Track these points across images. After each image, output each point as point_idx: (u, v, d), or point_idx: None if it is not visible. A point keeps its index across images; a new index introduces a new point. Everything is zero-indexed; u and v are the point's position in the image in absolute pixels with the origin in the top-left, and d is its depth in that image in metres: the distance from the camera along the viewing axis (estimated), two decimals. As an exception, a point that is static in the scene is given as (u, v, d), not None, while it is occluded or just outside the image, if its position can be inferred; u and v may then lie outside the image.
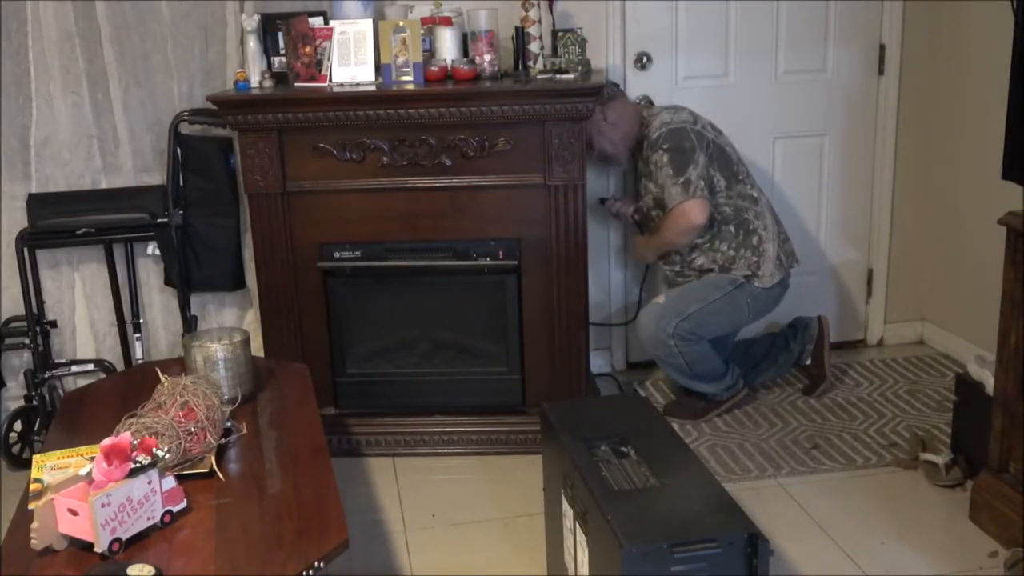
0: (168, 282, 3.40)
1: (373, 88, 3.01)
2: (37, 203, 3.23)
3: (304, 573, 1.75)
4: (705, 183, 3.14)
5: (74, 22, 3.16)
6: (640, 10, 3.52)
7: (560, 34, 3.17)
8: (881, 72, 3.72)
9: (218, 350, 2.48)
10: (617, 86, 3.43)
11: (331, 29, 3.06)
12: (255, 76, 3.11)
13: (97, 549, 1.77)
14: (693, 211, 3.13)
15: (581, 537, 2.04)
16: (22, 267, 3.24)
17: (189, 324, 3.38)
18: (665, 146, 3.17)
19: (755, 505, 2.78)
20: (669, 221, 3.18)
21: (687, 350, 3.20)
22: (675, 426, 3.00)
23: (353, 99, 2.95)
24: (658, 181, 3.19)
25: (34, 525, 1.80)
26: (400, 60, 3.03)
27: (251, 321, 3.49)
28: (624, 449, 2.13)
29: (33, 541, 1.80)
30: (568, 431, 2.18)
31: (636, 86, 3.59)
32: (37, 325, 3.27)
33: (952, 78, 3.66)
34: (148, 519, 1.86)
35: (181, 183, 3.29)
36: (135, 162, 3.32)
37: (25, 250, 3.24)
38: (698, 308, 3.18)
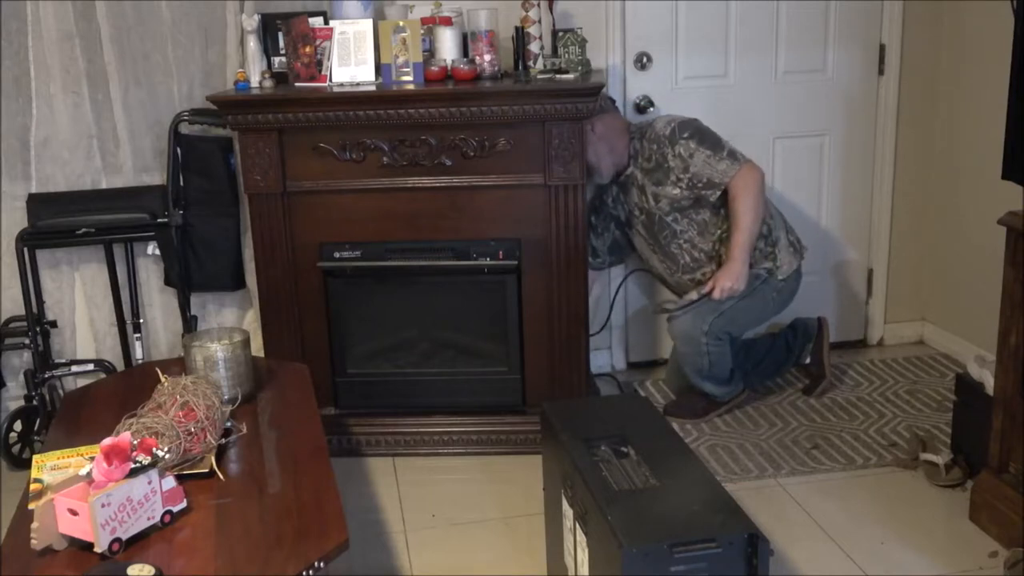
0: (168, 282, 3.40)
1: (373, 88, 3.01)
2: (37, 203, 3.23)
3: (304, 573, 1.75)
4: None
5: (74, 22, 3.16)
6: (640, 10, 3.52)
7: (560, 34, 3.17)
8: (881, 72, 3.72)
9: (218, 350, 2.48)
10: (613, 101, 3.41)
11: (331, 29, 3.06)
12: (255, 76, 3.11)
13: (97, 549, 1.78)
14: (755, 171, 3.12)
15: (581, 537, 2.04)
16: (22, 267, 3.24)
17: (189, 324, 3.38)
18: (686, 134, 3.15)
19: (755, 505, 2.78)
20: (741, 192, 3.09)
21: (715, 350, 3.21)
22: (675, 426, 3.01)
23: (353, 99, 2.95)
24: (691, 169, 3.12)
25: (34, 525, 1.80)
26: (400, 60, 3.03)
27: (251, 321, 3.49)
28: (624, 449, 2.13)
29: (33, 541, 1.80)
30: (568, 431, 2.18)
31: (636, 86, 3.60)
32: (37, 325, 3.27)
33: (952, 78, 3.66)
34: (148, 519, 1.86)
35: (181, 183, 3.29)
36: (135, 162, 3.32)
37: (25, 250, 3.24)
38: (731, 304, 3.18)
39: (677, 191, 3.19)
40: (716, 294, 3.13)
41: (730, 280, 3.12)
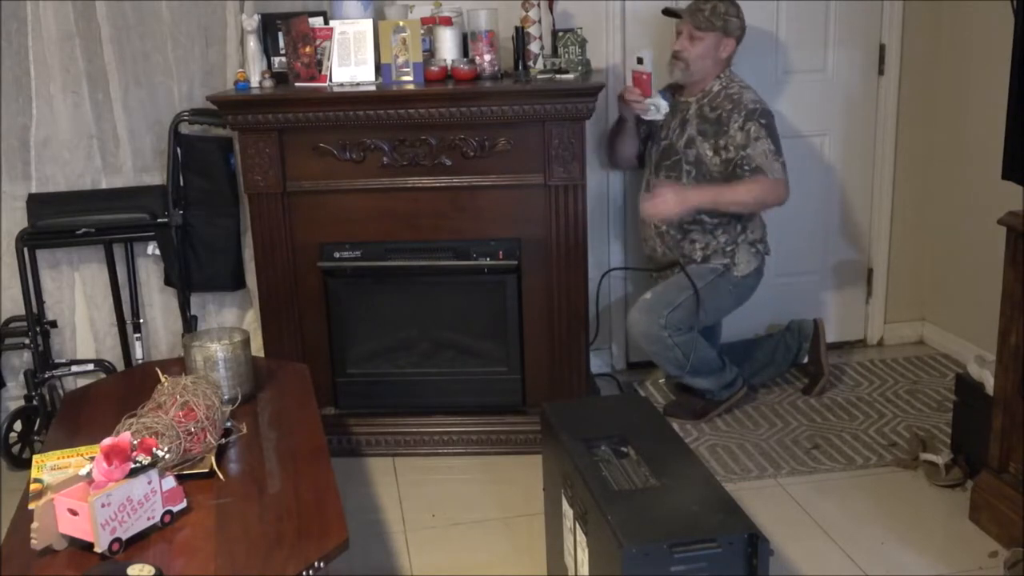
0: (168, 282, 3.40)
1: (373, 88, 3.01)
2: (37, 203, 3.23)
3: (304, 573, 1.75)
4: None
5: (74, 22, 3.16)
6: (640, 10, 3.52)
7: (560, 34, 3.17)
8: (881, 72, 3.72)
9: (218, 350, 2.48)
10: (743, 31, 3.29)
11: (331, 29, 3.06)
12: (255, 76, 3.11)
13: (97, 549, 1.78)
14: (786, 192, 3.16)
15: (581, 537, 2.04)
16: (22, 267, 3.24)
17: (189, 324, 3.38)
18: (763, 121, 3.14)
19: (755, 505, 2.78)
20: (761, 184, 3.11)
21: (682, 340, 3.20)
22: (675, 426, 3.01)
23: (353, 99, 2.95)
24: (748, 150, 3.11)
25: (34, 525, 1.80)
26: (400, 60, 3.03)
27: (251, 321, 3.49)
28: (624, 449, 2.13)
29: (33, 541, 1.80)
30: (568, 431, 2.18)
31: (636, 86, 3.60)
32: (37, 325, 3.27)
33: (952, 78, 3.66)
34: (148, 519, 1.86)
35: (181, 183, 3.30)
36: (135, 162, 3.32)
37: (25, 250, 3.24)
38: (687, 296, 3.18)
39: (710, 153, 3.18)
40: (648, 207, 3.18)
41: (670, 190, 3.16)
